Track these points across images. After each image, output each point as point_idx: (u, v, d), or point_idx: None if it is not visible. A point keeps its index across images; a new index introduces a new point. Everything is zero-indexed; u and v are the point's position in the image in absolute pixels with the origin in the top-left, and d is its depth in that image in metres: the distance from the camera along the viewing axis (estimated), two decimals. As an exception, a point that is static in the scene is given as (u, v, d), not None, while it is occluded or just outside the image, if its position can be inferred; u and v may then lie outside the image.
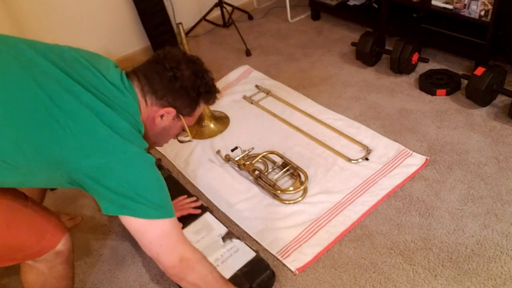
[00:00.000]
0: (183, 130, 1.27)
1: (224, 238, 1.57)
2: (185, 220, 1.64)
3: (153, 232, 1.09)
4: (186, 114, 1.22)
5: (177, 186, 1.80)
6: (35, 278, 1.24)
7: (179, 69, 1.15)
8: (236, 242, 1.55)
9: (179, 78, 1.15)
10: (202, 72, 1.20)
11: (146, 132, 1.18)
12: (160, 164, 1.93)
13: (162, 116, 1.18)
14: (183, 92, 1.16)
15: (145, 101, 1.15)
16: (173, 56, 1.17)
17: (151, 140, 1.23)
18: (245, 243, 1.55)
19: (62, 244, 1.21)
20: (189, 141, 1.30)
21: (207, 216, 1.66)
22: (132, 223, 1.07)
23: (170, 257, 1.12)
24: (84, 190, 1.07)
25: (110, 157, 1.02)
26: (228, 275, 1.43)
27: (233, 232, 1.61)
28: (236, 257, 1.50)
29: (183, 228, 1.62)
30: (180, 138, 1.33)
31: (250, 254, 1.50)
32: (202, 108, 1.27)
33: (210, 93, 1.23)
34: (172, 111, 1.17)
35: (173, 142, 2.16)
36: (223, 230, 1.60)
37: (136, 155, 1.05)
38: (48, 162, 1.01)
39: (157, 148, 2.13)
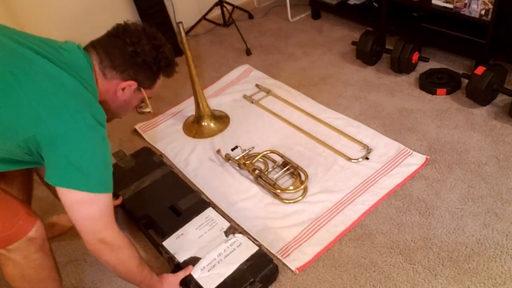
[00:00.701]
0: (142, 101, 1.30)
1: (226, 233, 1.57)
2: (187, 214, 1.65)
3: (90, 207, 1.10)
4: (147, 87, 1.24)
5: (178, 182, 1.81)
6: (12, 269, 1.25)
7: (140, 44, 1.17)
8: (238, 236, 1.55)
9: (140, 53, 1.17)
10: (162, 46, 1.23)
11: (107, 105, 1.21)
12: (162, 161, 1.93)
13: (123, 89, 1.20)
14: (145, 66, 1.19)
15: (104, 74, 1.17)
16: (133, 31, 1.19)
17: (111, 112, 1.25)
18: (247, 237, 1.55)
19: (34, 231, 1.22)
20: (149, 112, 1.33)
21: (210, 211, 1.67)
22: (71, 195, 1.07)
23: (91, 237, 1.14)
24: (42, 161, 1.08)
25: (64, 126, 1.03)
26: (231, 269, 1.45)
27: (235, 227, 1.61)
28: (239, 252, 1.50)
29: (185, 223, 1.63)
30: (140, 109, 1.36)
31: (253, 248, 1.51)
32: (161, 80, 1.29)
33: (170, 66, 1.26)
34: (133, 84, 1.20)
35: (173, 141, 2.17)
36: (225, 225, 1.61)
37: (90, 127, 1.06)
38: (4, 131, 1.02)
39: (157, 147, 2.13)
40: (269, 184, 1.82)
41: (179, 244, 1.56)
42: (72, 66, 1.11)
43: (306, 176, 1.84)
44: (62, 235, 1.77)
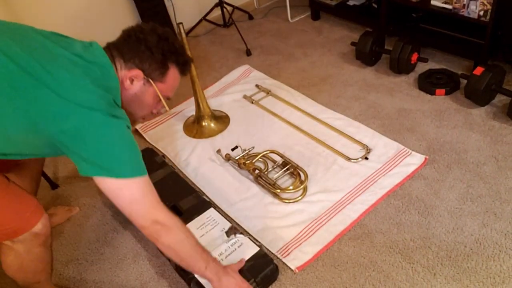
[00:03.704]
0: (159, 101, 1.26)
1: (227, 233, 1.58)
2: (189, 214, 1.66)
3: (129, 191, 1.13)
4: (157, 79, 1.22)
5: (180, 183, 1.82)
6: (13, 259, 1.27)
7: (143, 33, 1.19)
8: (240, 237, 1.56)
9: (142, 40, 1.18)
10: (167, 35, 1.22)
11: (120, 101, 1.19)
12: (164, 161, 1.94)
13: (132, 80, 1.19)
14: (148, 53, 1.18)
15: (115, 65, 1.18)
16: (139, 25, 1.22)
17: (126, 110, 1.22)
18: (248, 238, 1.56)
19: (40, 225, 1.23)
20: (166, 111, 1.31)
21: (211, 211, 1.68)
22: (108, 183, 1.10)
23: (142, 219, 1.16)
24: (64, 153, 1.11)
25: (89, 120, 1.05)
26: None
27: (235, 227, 1.61)
28: (239, 252, 1.51)
29: (186, 223, 1.63)
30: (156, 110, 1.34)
31: (253, 249, 1.51)
32: (176, 75, 1.26)
33: (177, 54, 1.23)
34: (139, 73, 1.19)
35: (173, 141, 2.18)
36: (226, 225, 1.61)
37: (102, 123, 1.07)
38: (30, 126, 1.04)
39: (157, 147, 2.14)
40: (269, 184, 1.83)
41: None
42: (98, 66, 1.13)
43: (306, 176, 1.85)
44: (60, 225, 1.82)
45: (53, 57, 1.08)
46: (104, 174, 1.09)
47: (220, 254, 1.51)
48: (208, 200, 1.75)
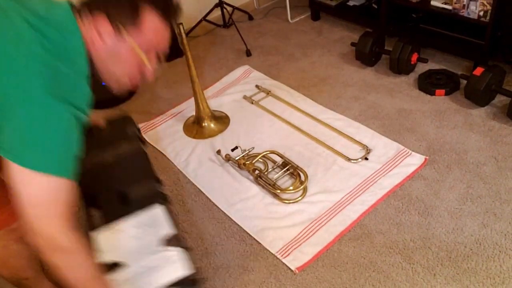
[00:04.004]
0: (142, 60, 1.00)
1: (168, 242, 1.25)
2: (133, 207, 1.30)
3: (35, 190, 0.90)
4: (130, 25, 0.96)
5: (142, 166, 1.40)
6: None
7: None
8: (177, 251, 1.21)
9: None
10: None
11: (92, 63, 0.99)
12: (135, 134, 1.47)
13: (100, 33, 0.96)
14: None
15: (82, 21, 0.96)
16: None
17: (104, 74, 1.02)
18: (188, 256, 1.21)
19: (16, 224, 1.17)
20: (151, 72, 1.04)
21: (160, 209, 1.29)
22: (14, 171, 0.89)
23: (37, 227, 0.93)
24: None
25: (8, 92, 0.87)
26: None
27: (180, 238, 1.26)
28: (169, 270, 1.19)
29: (125, 216, 1.28)
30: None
31: (185, 271, 1.18)
32: (156, 22, 0.99)
33: None
34: (104, 19, 0.95)
35: (173, 141, 2.18)
36: (171, 231, 1.25)
37: (34, 100, 0.87)
38: None
39: (157, 147, 2.14)
40: (269, 184, 1.83)
41: (110, 239, 1.24)
42: (55, 27, 0.93)
43: (306, 176, 1.85)
44: None
45: (5, 14, 0.91)
46: (9, 157, 0.88)
47: (142, 267, 1.18)
48: (167, 195, 1.38)
